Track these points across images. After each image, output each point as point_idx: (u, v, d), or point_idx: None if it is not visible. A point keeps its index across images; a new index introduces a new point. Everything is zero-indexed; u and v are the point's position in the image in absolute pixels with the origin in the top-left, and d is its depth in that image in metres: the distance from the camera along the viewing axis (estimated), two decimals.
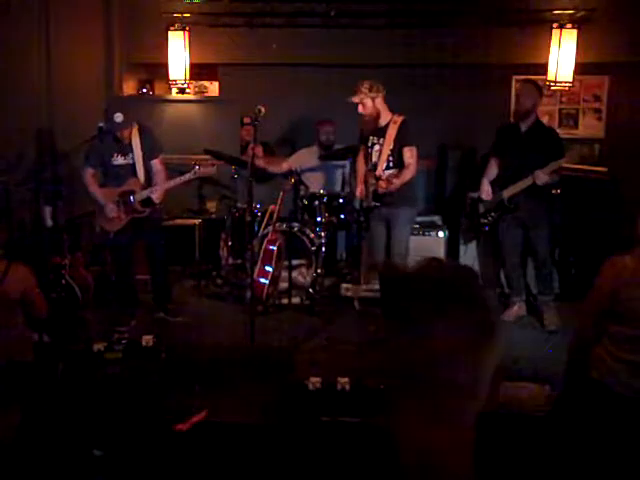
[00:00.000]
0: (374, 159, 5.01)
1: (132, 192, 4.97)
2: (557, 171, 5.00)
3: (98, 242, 5.59)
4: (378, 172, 4.95)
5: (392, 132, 4.91)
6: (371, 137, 5.06)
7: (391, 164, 4.94)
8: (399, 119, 4.93)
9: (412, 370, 1.07)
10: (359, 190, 5.15)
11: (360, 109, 4.89)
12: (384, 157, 4.94)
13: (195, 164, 5.09)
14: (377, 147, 5.01)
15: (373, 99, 4.88)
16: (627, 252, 2.83)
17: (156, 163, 5.06)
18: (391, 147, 4.92)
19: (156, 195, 4.97)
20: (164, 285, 5.38)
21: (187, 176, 5.08)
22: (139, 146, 4.96)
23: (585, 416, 2.77)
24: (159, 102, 7.14)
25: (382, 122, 4.99)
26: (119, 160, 4.97)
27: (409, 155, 4.89)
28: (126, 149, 4.96)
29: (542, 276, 5.33)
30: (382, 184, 4.86)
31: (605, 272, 2.84)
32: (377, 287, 5.56)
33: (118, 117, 4.76)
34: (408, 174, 4.90)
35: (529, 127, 5.12)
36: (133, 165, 4.98)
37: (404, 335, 1.08)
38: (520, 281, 5.43)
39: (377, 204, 4.96)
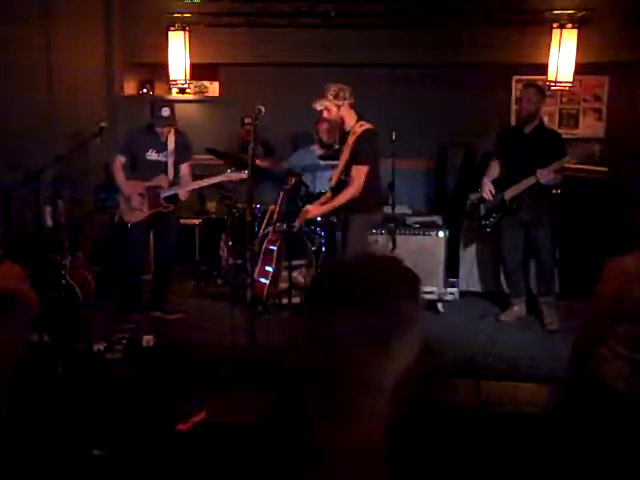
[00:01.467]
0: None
1: (159, 187, 5.06)
2: (561, 171, 5.00)
3: (114, 233, 5.68)
4: (334, 180, 4.82)
5: (350, 143, 4.68)
6: (340, 143, 4.96)
7: (348, 176, 4.76)
8: (360, 129, 4.66)
9: (316, 367, 1.07)
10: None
11: (325, 114, 4.71)
12: (341, 166, 4.77)
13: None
14: (341, 154, 4.88)
15: (338, 106, 4.65)
16: (628, 253, 2.83)
17: (184, 167, 5.19)
18: (347, 158, 4.71)
19: (183, 192, 5.08)
20: (163, 286, 5.41)
21: (217, 178, 5.18)
22: (173, 147, 5.10)
23: (587, 415, 2.77)
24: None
25: (346, 128, 4.79)
26: (153, 156, 5.10)
27: (354, 174, 4.63)
28: (161, 146, 5.10)
29: (543, 276, 5.33)
30: (300, 218, 4.86)
31: (608, 273, 2.84)
32: None
33: (165, 111, 4.94)
34: (344, 197, 4.66)
35: (532, 129, 5.12)
36: (165, 163, 5.12)
37: (308, 331, 1.09)
38: (521, 282, 5.43)
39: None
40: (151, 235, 5.41)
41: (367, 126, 4.69)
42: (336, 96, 4.63)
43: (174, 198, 5.14)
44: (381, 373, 1.06)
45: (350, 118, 4.72)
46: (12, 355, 3.15)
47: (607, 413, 2.73)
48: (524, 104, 5.17)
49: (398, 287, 1.09)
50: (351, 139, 4.67)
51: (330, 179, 5.83)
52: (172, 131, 5.14)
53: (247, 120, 6.33)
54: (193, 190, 5.23)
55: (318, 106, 4.69)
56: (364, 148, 4.65)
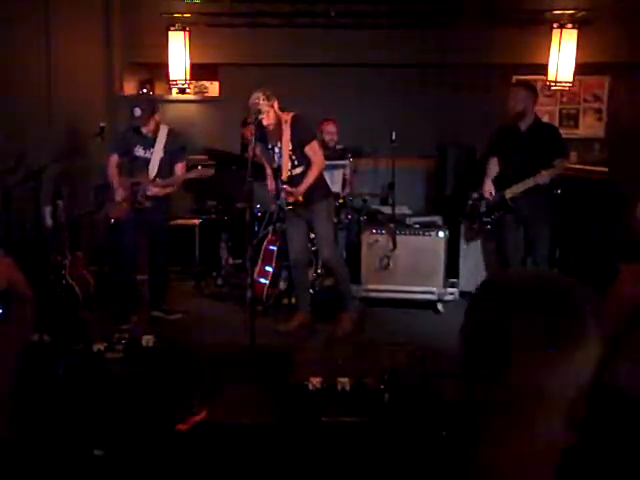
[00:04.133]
0: (277, 160, 4.92)
1: (139, 184, 5.09)
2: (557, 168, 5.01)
3: (101, 231, 5.69)
4: (284, 175, 4.84)
5: (286, 133, 4.78)
6: (269, 139, 4.93)
7: (296, 162, 4.84)
8: (288, 117, 4.80)
9: (490, 376, 1.02)
10: (270, 189, 5.06)
11: (265, 122, 4.71)
12: (286, 159, 4.83)
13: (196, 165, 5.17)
14: (277, 150, 4.90)
15: (273, 106, 4.72)
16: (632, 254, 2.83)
17: (178, 167, 5.18)
18: (290, 148, 4.81)
19: (150, 189, 5.07)
20: (161, 286, 5.40)
21: (189, 174, 5.17)
22: (162, 145, 5.11)
23: (599, 421, 2.75)
24: (159, 102, 7.14)
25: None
26: (140, 152, 5.13)
27: (312, 153, 4.81)
28: (149, 144, 5.11)
29: None
30: (290, 199, 4.80)
31: (624, 278, 2.82)
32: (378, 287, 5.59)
33: (136, 112, 5.01)
34: (313, 173, 4.80)
35: (529, 126, 5.12)
36: (150, 160, 5.12)
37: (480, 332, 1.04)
38: None
39: (291, 207, 4.88)
40: (140, 235, 5.38)
41: (292, 112, 4.85)
42: (267, 98, 4.70)
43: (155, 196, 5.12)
44: (562, 383, 1.00)
45: (280, 112, 4.82)
46: (13, 353, 3.13)
47: (622, 420, 2.72)
48: (511, 103, 5.17)
49: (582, 291, 1.05)
50: (286, 129, 4.79)
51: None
52: (162, 131, 5.14)
53: (250, 119, 6.31)
54: (164, 188, 5.13)
55: (263, 116, 4.68)
56: (303, 127, 4.83)
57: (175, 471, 3.16)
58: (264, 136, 4.88)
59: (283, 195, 4.85)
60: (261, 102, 4.67)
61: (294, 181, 4.83)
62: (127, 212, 5.09)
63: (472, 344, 1.05)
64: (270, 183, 5.03)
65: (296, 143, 4.80)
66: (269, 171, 5.03)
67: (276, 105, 4.75)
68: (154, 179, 5.09)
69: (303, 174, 4.83)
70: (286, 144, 4.80)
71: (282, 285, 5.64)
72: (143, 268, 5.43)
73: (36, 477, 3.11)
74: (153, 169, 5.09)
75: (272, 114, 4.73)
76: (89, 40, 6.78)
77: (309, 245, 5.47)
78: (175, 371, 4.11)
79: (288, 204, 4.86)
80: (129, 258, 5.26)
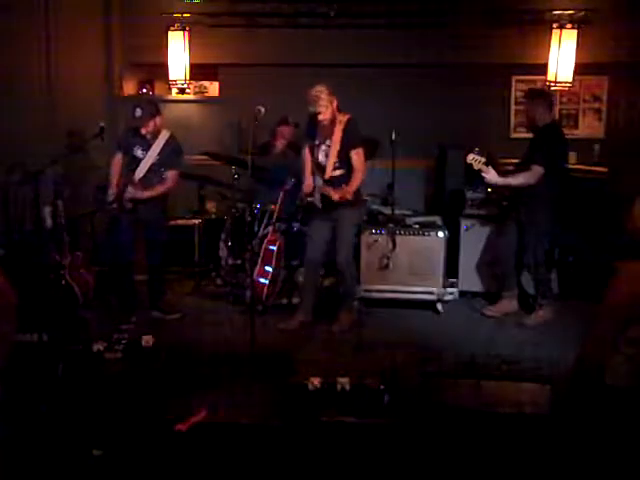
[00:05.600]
0: (320, 158, 4.94)
1: (125, 185, 5.12)
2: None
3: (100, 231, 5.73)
4: (328, 174, 4.86)
5: (338, 133, 4.82)
6: (318, 135, 4.95)
7: (337, 164, 4.87)
8: (344, 118, 4.83)
9: None
10: (307, 184, 5.02)
11: (321, 117, 4.74)
12: (332, 159, 4.85)
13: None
14: (324, 147, 4.92)
15: (332, 103, 4.76)
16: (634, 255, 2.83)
17: (170, 173, 5.18)
18: (338, 149, 4.83)
19: (128, 191, 5.10)
20: (159, 286, 5.40)
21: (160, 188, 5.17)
22: (158, 149, 5.13)
23: (595, 419, 2.75)
24: (159, 102, 7.14)
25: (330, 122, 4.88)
26: (138, 152, 5.18)
27: (356, 158, 4.83)
28: (146, 145, 5.14)
29: (537, 279, 5.33)
30: (335, 196, 4.79)
31: (622, 277, 2.82)
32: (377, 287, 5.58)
33: (137, 112, 5.08)
34: (358, 179, 4.85)
35: (543, 125, 5.21)
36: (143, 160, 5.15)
37: None
38: (511, 277, 5.43)
39: (320, 205, 4.91)
40: (138, 235, 5.38)
41: (348, 115, 4.88)
42: (330, 93, 4.75)
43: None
44: None
45: (337, 112, 4.84)
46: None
47: (617, 416, 2.72)
48: (531, 114, 5.29)
49: None
50: (338, 129, 4.82)
51: None
52: (162, 135, 5.16)
53: (284, 123, 6.11)
54: (140, 193, 5.12)
55: (321, 109, 4.72)
56: (355, 133, 4.88)
57: (175, 471, 3.16)
58: (314, 131, 4.92)
59: (335, 198, 4.82)
60: (323, 96, 4.71)
61: (333, 182, 4.85)
62: (116, 210, 5.12)
63: None
64: (308, 179, 5.02)
65: (344, 145, 4.83)
66: (309, 167, 5.01)
67: (335, 103, 4.79)
68: (136, 181, 5.10)
69: (342, 177, 4.86)
70: (335, 144, 4.83)
71: (281, 285, 5.64)
72: (142, 268, 5.43)
73: (36, 477, 3.11)
74: (141, 171, 5.11)
75: (330, 110, 4.77)
76: (89, 40, 6.78)
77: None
78: (175, 371, 4.12)
79: (327, 202, 4.85)
80: (127, 258, 5.26)
